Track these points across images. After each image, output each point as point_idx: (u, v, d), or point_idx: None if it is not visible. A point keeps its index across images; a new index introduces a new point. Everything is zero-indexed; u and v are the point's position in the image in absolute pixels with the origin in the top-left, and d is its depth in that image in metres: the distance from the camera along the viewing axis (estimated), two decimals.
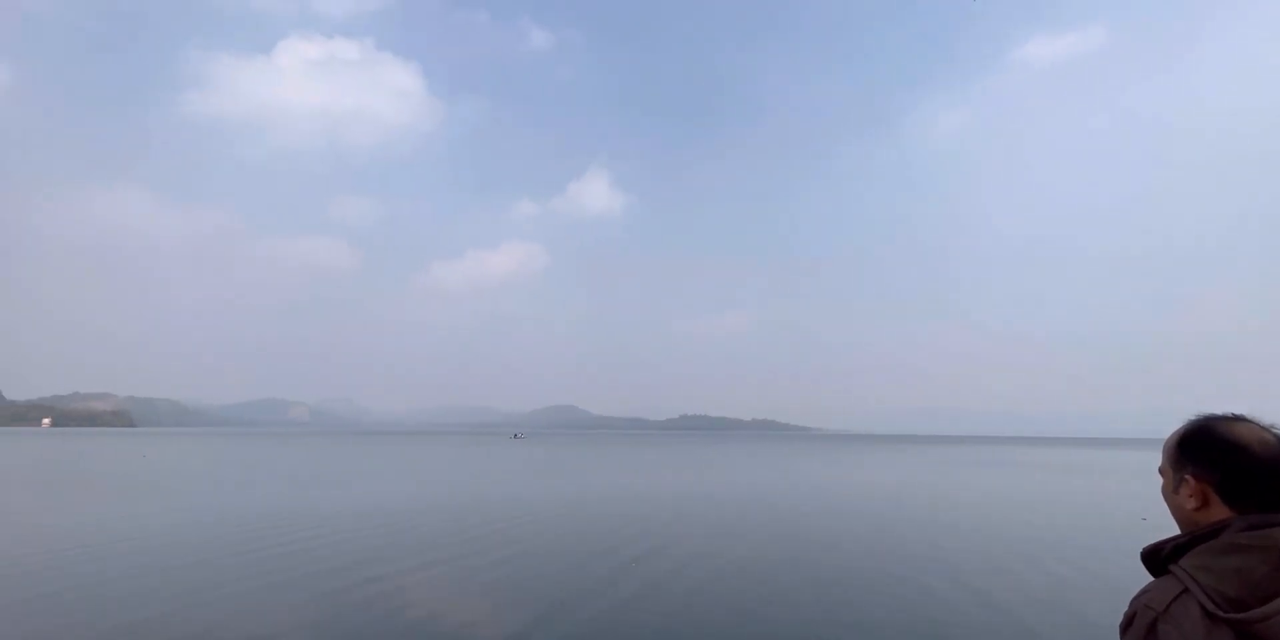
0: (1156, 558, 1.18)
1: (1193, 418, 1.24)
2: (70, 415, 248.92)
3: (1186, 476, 1.22)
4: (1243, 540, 1.07)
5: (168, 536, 13.06)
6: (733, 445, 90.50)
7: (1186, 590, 1.06)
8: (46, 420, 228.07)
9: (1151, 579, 1.17)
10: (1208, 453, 1.19)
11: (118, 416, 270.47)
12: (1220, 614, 1.00)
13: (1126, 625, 1.12)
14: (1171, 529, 1.20)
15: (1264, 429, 1.16)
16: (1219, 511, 1.16)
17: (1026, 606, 8.19)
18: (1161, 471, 1.28)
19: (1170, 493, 1.26)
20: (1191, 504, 1.20)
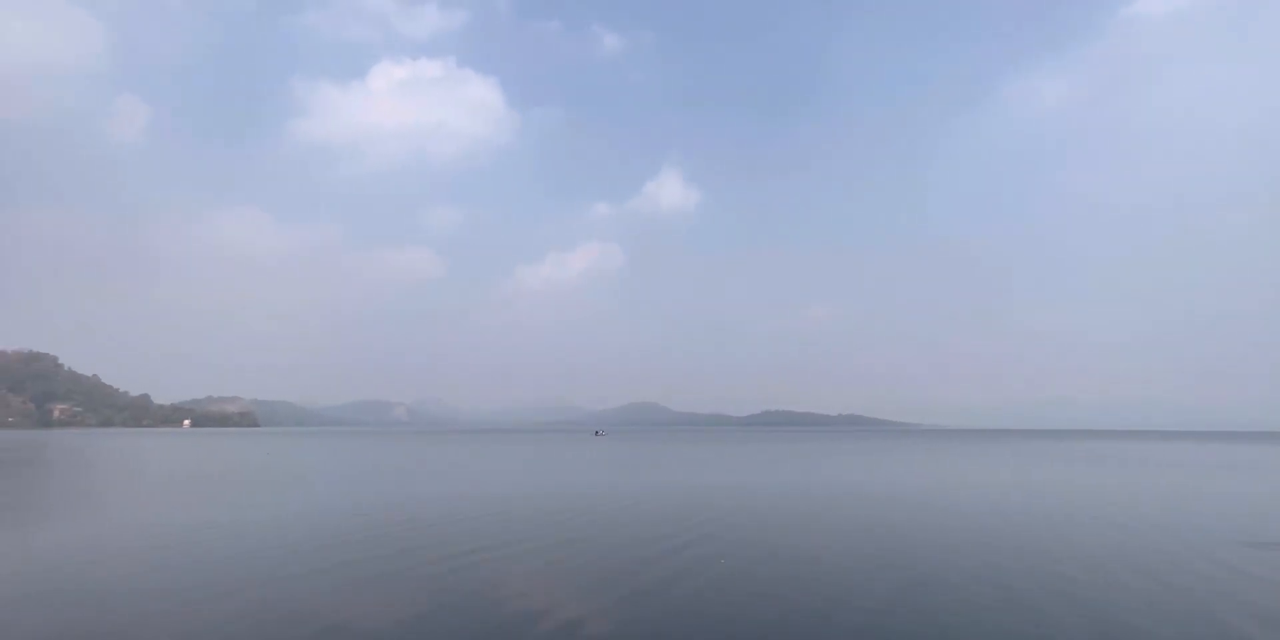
0: None
1: None
2: (206, 417, 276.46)
3: None
4: None
5: (311, 520, 16.47)
6: (821, 441, 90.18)
7: None
8: (187, 421, 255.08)
9: None
10: None
11: (245, 417, 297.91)
12: None
13: None
14: None
15: None
16: None
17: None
18: None
19: None
20: None
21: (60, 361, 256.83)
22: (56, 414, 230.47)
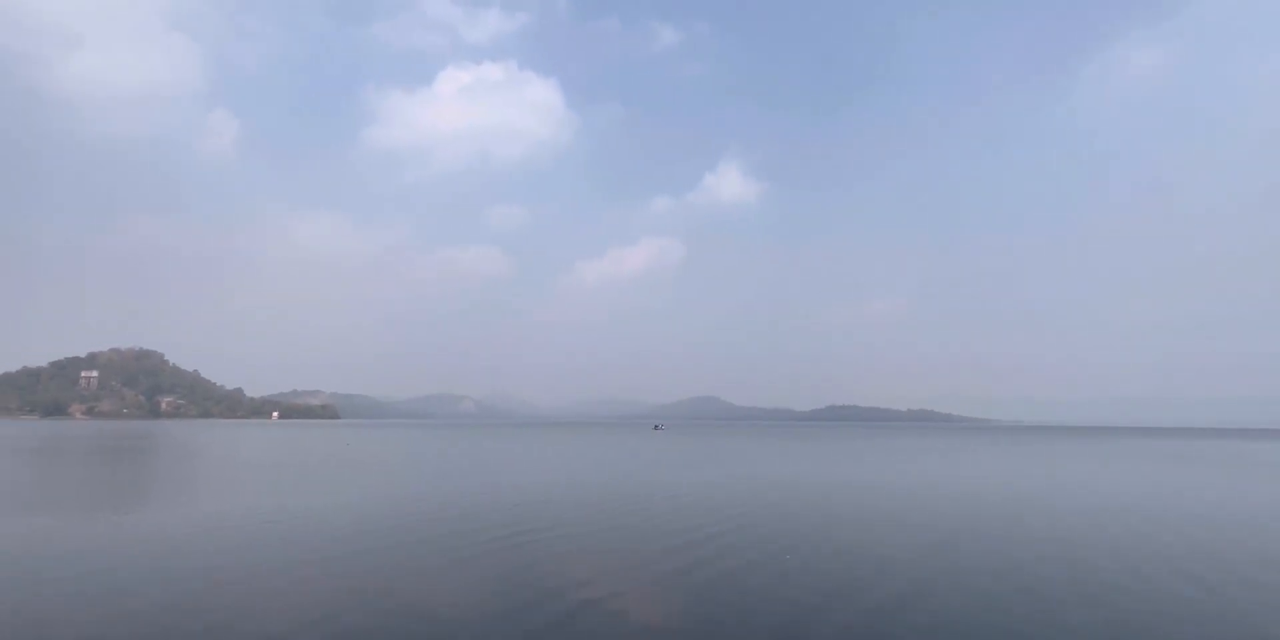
0: None
1: None
2: (292, 409, 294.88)
3: None
4: None
5: (393, 504, 18.40)
6: (892, 437, 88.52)
7: None
8: (275, 413, 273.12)
9: None
10: None
11: (326, 410, 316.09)
12: None
13: None
14: None
15: None
16: None
17: None
18: None
19: None
20: None
21: (166, 359, 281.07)
22: (164, 406, 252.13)
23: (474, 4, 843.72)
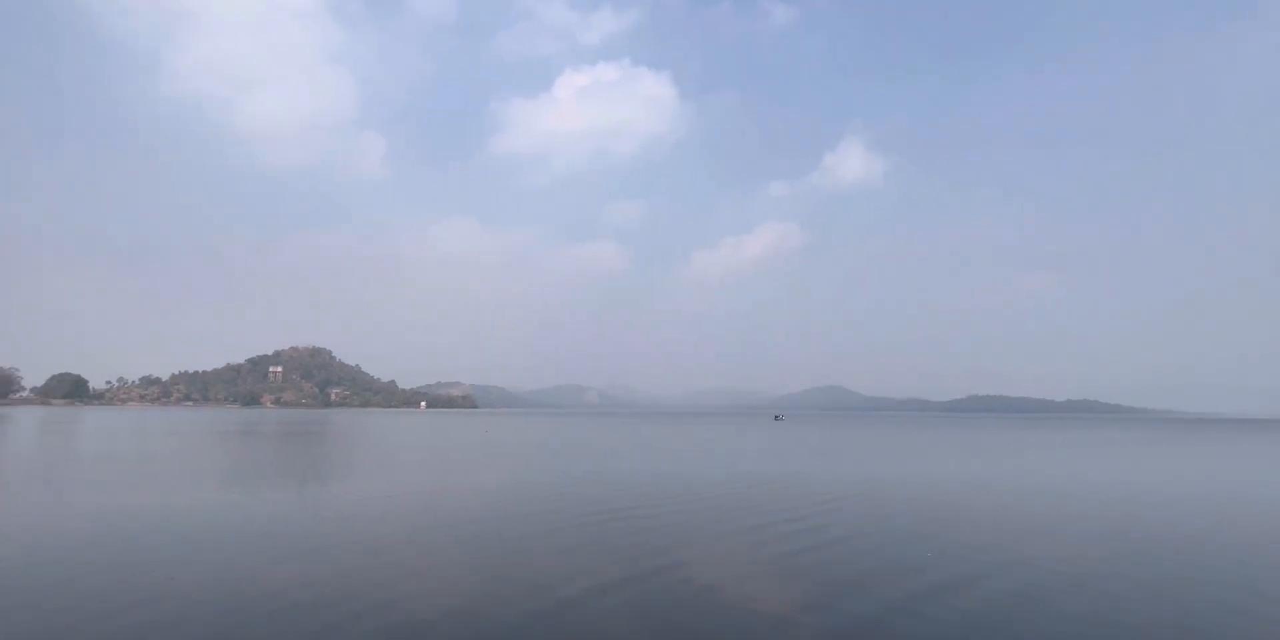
0: None
1: None
2: (436, 399, 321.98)
3: None
4: None
5: (529, 486, 20.11)
6: (1052, 430, 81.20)
7: None
8: (423, 403, 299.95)
9: None
10: None
11: (465, 400, 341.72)
12: None
13: None
14: None
15: None
16: None
17: None
18: None
19: None
20: None
21: (333, 355, 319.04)
22: (333, 396, 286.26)
23: (587, 7, 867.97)
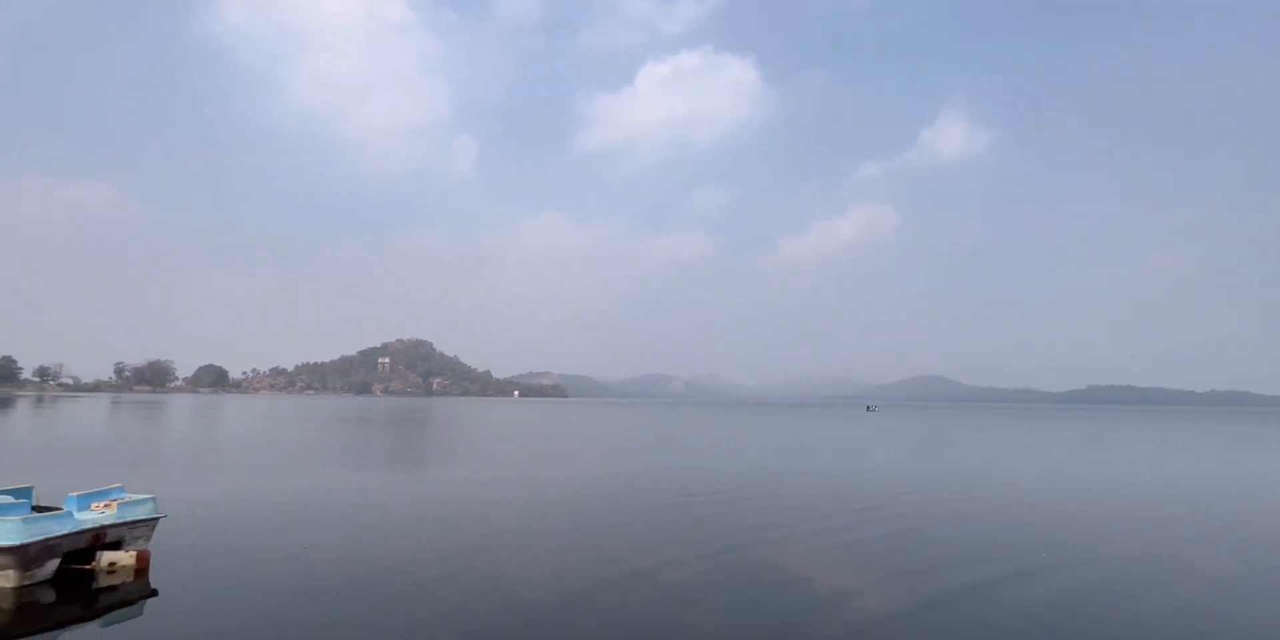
0: None
1: None
2: (528, 388, 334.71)
3: None
4: None
5: (619, 475, 20.57)
6: (1189, 425, 73.73)
7: None
8: (516, 392, 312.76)
9: None
10: None
11: (555, 389, 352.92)
12: None
13: None
14: None
15: None
16: None
17: None
18: None
19: None
20: None
21: (434, 346, 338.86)
22: (435, 385, 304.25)
23: None
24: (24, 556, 7.01)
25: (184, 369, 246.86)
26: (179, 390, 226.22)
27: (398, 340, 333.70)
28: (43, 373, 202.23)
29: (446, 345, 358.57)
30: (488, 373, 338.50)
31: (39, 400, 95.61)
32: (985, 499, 15.59)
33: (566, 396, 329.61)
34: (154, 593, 7.21)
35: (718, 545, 10.00)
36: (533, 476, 18.92)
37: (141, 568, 7.74)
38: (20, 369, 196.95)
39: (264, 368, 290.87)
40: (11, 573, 6.98)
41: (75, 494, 8.36)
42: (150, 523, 8.35)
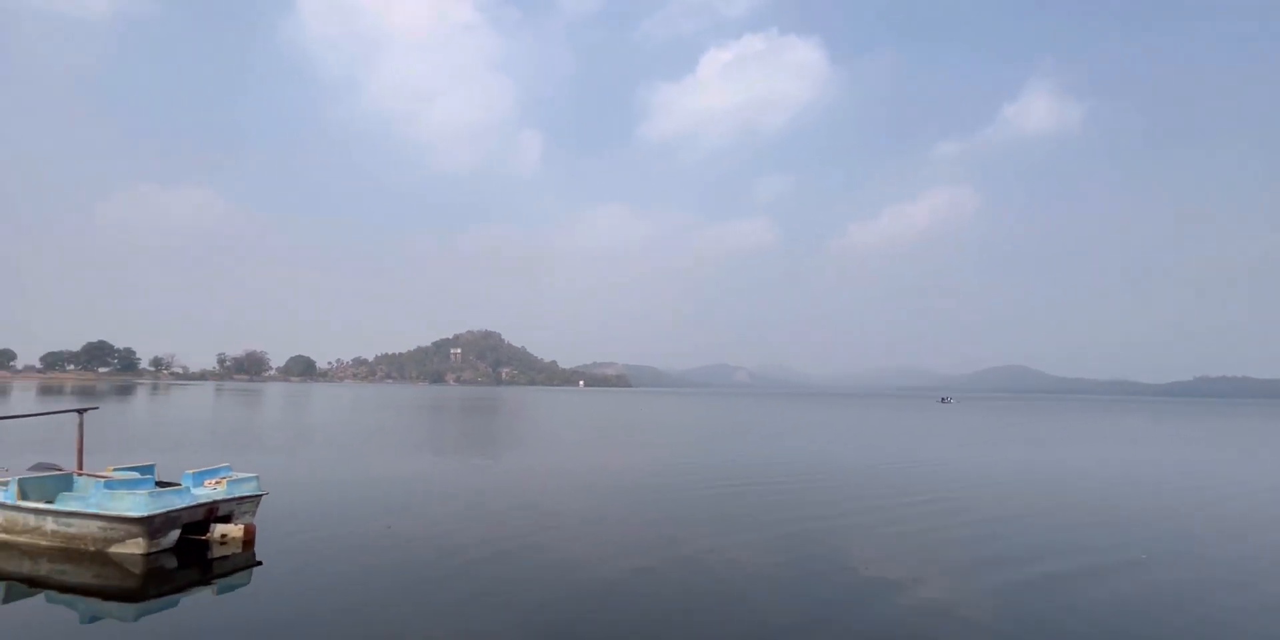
0: None
1: None
2: (593, 378, 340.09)
3: None
4: None
5: (686, 466, 20.75)
6: None
7: None
8: (581, 382, 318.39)
9: None
10: None
11: (619, 379, 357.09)
12: None
13: None
14: None
15: None
16: None
17: None
18: None
19: None
20: None
21: (502, 337, 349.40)
22: (504, 375, 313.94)
23: None
24: (151, 526, 7.86)
25: (276, 359, 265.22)
26: (272, 379, 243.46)
27: (468, 331, 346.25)
28: (157, 363, 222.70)
29: (514, 336, 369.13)
30: (554, 363, 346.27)
31: (154, 388, 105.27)
32: (1071, 495, 14.78)
33: (630, 386, 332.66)
34: (259, 562, 7.92)
35: (780, 531, 10.09)
36: (597, 463, 19.37)
37: (248, 539, 8.51)
38: (139, 359, 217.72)
39: (347, 358, 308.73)
40: (141, 540, 7.85)
41: (191, 471, 9.27)
42: (255, 499, 9.15)
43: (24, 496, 8.57)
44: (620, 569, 7.95)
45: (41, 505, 8.28)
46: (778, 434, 32.65)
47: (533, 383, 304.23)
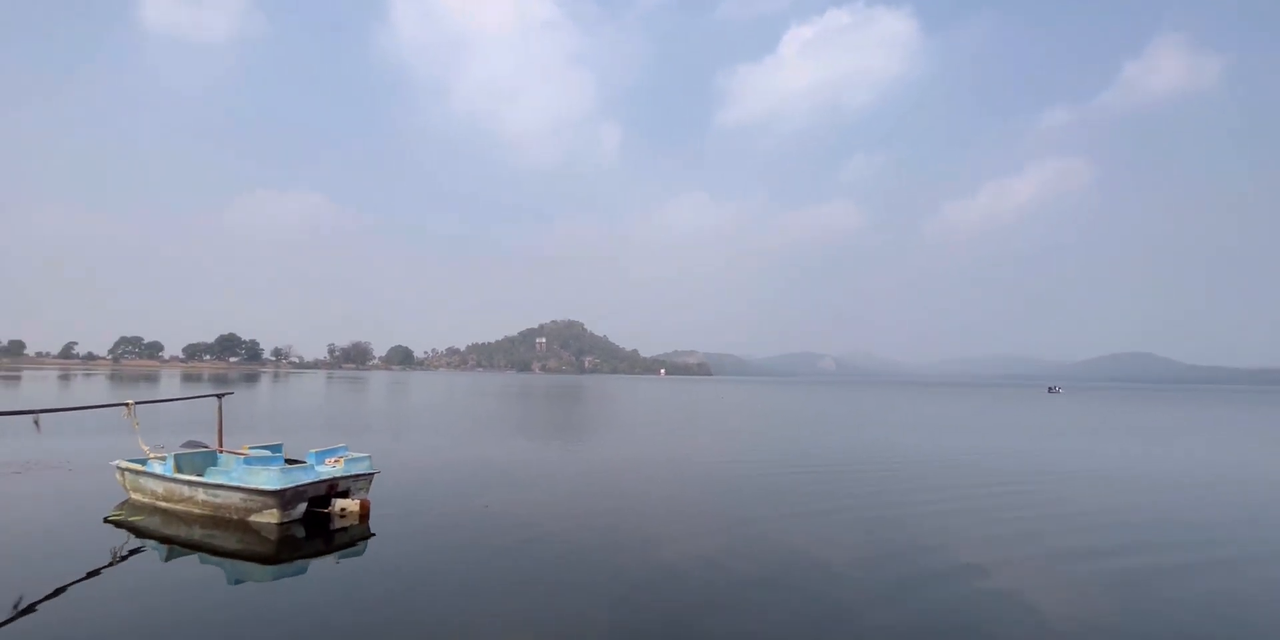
0: None
1: None
2: (673, 366, 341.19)
3: None
4: None
5: (776, 460, 20.58)
6: None
7: None
8: (662, 370, 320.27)
9: None
10: None
11: (700, 367, 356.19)
12: None
13: None
14: None
15: None
16: None
17: None
18: None
19: None
20: None
21: (585, 327, 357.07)
22: (587, 364, 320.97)
23: None
24: (283, 499, 8.76)
25: (379, 349, 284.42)
26: (375, 368, 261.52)
27: (553, 321, 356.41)
28: (277, 353, 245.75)
29: (596, 325, 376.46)
30: (635, 351, 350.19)
31: (275, 376, 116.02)
32: (1206, 495, 13.45)
33: (711, 375, 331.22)
34: (373, 534, 8.64)
35: (856, 516, 9.93)
36: (679, 449, 19.52)
37: (364, 514, 9.30)
38: (262, 350, 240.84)
39: (441, 348, 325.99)
40: (275, 511, 8.77)
41: (314, 450, 10.21)
42: (368, 477, 9.96)
43: (179, 470, 9.78)
44: (702, 553, 8.10)
45: (194, 478, 9.42)
46: (863, 423, 31.60)
47: (615, 371, 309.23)
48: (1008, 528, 9.93)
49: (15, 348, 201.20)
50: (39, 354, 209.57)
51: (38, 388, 50.17)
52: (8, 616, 5.66)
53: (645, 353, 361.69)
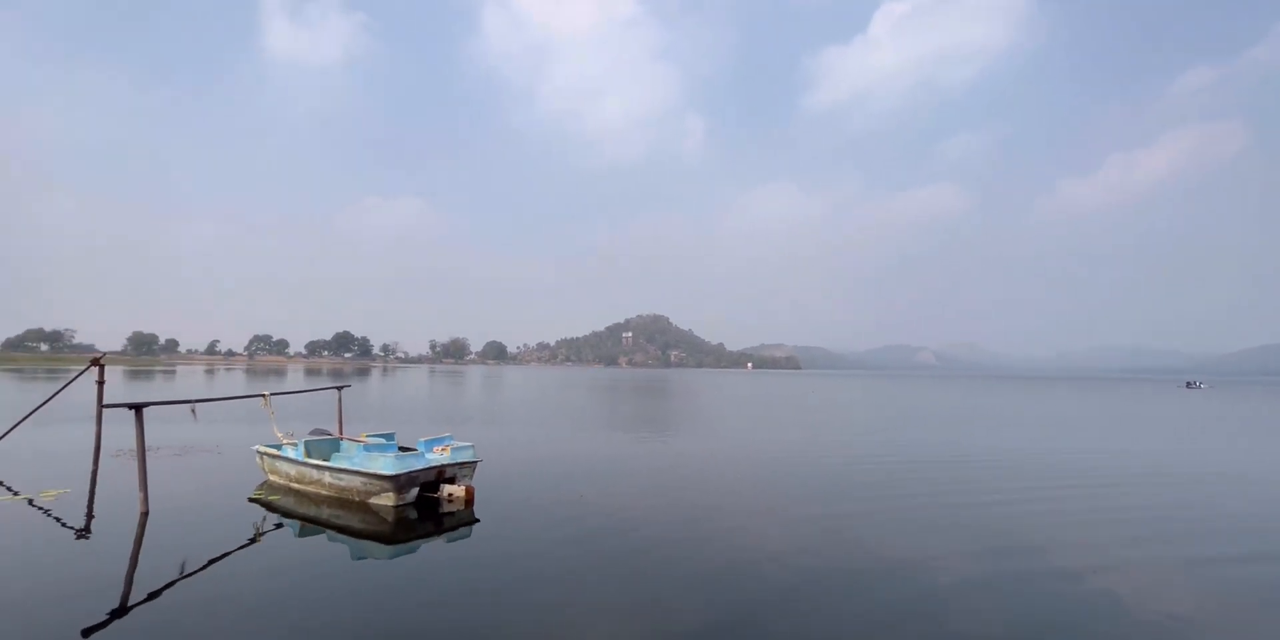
0: None
1: None
2: (761, 360, 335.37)
3: None
4: None
5: (855, 455, 19.89)
6: None
7: None
8: (749, 364, 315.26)
9: None
10: None
11: (789, 361, 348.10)
12: None
13: None
14: None
15: None
16: None
17: None
18: None
19: None
20: None
21: (671, 321, 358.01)
22: (672, 358, 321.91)
23: None
24: (398, 484, 9.45)
25: (475, 345, 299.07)
26: (472, 362, 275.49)
27: (639, 316, 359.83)
28: (385, 349, 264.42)
29: (682, 319, 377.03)
30: (721, 345, 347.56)
31: (384, 370, 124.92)
32: None
33: (800, 368, 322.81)
34: (477, 519, 9.14)
35: (946, 518, 9.41)
36: (767, 444, 19.22)
37: (469, 499, 9.85)
38: (372, 346, 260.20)
39: (532, 343, 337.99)
40: (391, 495, 9.48)
41: (424, 439, 10.94)
42: (473, 464, 10.54)
43: (308, 455, 10.78)
44: (785, 546, 8.05)
45: (321, 462, 10.34)
46: (961, 421, 29.74)
47: (701, 365, 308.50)
48: (1116, 530, 9.11)
49: (171, 345, 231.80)
50: (189, 351, 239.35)
51: (189, 381, 56.90)
52: (175, 577, 6.54)
53: (731, 346, 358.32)
